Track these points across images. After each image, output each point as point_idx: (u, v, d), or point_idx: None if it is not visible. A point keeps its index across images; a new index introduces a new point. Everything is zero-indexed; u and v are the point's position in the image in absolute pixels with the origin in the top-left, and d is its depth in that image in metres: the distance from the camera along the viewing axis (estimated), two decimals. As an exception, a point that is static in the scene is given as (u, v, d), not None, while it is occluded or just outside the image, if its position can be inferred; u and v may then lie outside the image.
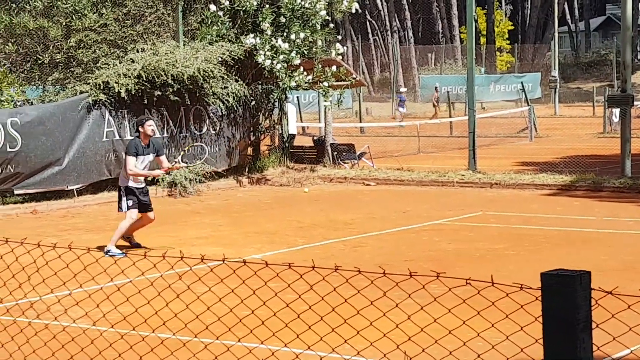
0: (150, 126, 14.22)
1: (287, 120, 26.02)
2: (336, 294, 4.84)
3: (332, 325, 4.86)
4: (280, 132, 25.84)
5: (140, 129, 14.20)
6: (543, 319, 3.13)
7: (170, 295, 5.57)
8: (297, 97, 40.19)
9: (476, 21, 50.63)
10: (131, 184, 14.08)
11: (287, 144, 25.74)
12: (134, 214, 14.10)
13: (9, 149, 18.60)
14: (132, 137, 14.87)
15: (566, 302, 3.08)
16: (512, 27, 76.56)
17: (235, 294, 5.32)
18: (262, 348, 5.72)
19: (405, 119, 43.35)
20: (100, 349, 5.84)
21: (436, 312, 4.82)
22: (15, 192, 19.11)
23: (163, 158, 14.53)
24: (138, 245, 14.37)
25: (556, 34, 52.39)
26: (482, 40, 69.79)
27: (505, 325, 4.36)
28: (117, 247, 13.84)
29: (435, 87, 47.73)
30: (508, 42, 73.40)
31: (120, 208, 14.25)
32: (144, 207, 14.32)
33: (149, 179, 15.10)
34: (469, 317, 4.41)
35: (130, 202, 14.07)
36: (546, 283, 3.15)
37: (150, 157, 14.30)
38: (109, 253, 13.57)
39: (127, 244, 14.29)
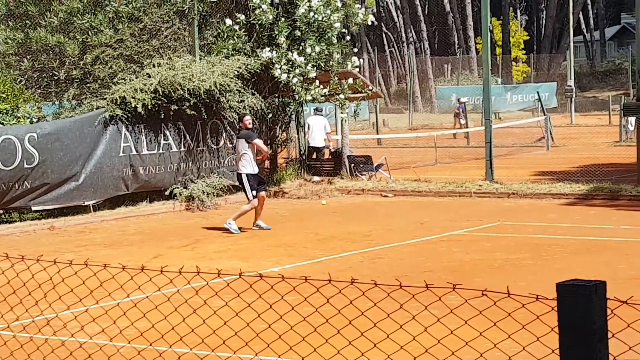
0: (248, 120, 17.78)
1: (309, 132, 26.05)
2: (353, 307, 4.84)
3: (349, 338, 4.85)
4: (298, 144, 25.86)
5: (241, 124, 17.94)
6: (559, 330, 3.12)
7: (187, 311, 5.57)
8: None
9: (492, 32, 50.53)
10: (250, 170, 17.37)
11: (305, 157, 25.73)
12: (255, 201, 17.29)
13: (26, 165, 18.67)
14: (243, 130, 17.84)
15: (582, 312, 3.07)
16: (528, 37, 76.53)
17: (252, 308, 5.32)
18: (279, 362, 5.72)
19: (423, 130, 43.31)
20: (117, 364, 5.85)
21: (453, 323, 4.81)
22: (33, 208, 19.17)
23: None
24: (265, 227, 17.56)
25: (571, 44, 52.31)
26: (498, 50, 69.79)
27: (522, 335, 4.34)
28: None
29: (459, 100, 47.17)
30: (524, 52, 73.37)
31: (248, 197, 17.35)
32: (262, 186, 17.58)
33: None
34: (486, 328, 4.39)
35: (255, 192, 17.27)
36: (562, 293, 3.14)
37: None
38: (228, 224, 17.17)
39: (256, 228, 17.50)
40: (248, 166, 17.34)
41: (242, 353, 5.85)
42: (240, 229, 17.30)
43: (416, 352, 4.81)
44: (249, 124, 17.81)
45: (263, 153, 18.51)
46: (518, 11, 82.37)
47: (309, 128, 26.65)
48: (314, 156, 26.48)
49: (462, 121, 43.73)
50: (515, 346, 4.45)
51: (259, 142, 17.89)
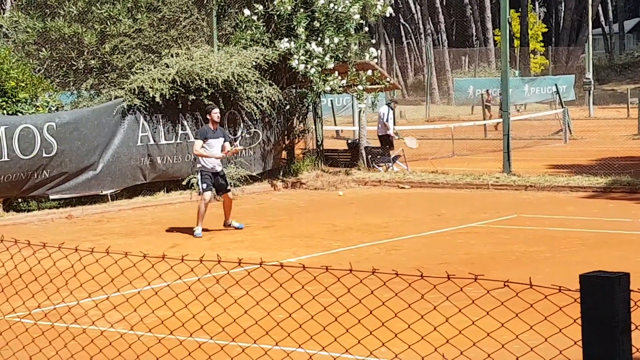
0: (216, 113, 16.32)
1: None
2: (373, 297, 4.84)
3: (370, 328, 4.86)
4: (315, 135, 25.88)
5: (208, 117, 16.40)
6: (582, 321, 3.11)
7: (208, 299, 5.58)
8: (331, 100, 40.21)
9: (510, 24, 50.31)
10: (205, 164, 16.15)
11: (322, 148, 25.74)
12: (206, 195, 16.11)
13: (44, 154, 18.73)
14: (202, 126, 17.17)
15: (605, 304, 3.06)
16: (546, 30, 76.16)
17: (272, 297, 5.34)
18: (299, 351, 5.73)
19: (440, 122, 43.15)
20: (138, 353, 5.87)
21: (474, 314, 4.80)
22: (51, 197, 19.25)
23: (226, 144, 16.37)
24: (238, 227, 16.58)
25: (590, 36, 52.07)
26: (516, 42, 69.52)
27: (544, 327, 4.34)
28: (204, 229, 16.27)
29: (487, 91, 46.26)
30: (542, 44, 73.02)
31: (198, 192, 16.72)
32: (220, 187, 16.38)
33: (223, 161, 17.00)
34: (507, 319, 4.39)
35: (204, 185, 16.15)
36: (585, 285, 3.13)
37: (221, 140, 16.25)
38: (195, 232, 16.06)
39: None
40: (203, 160, 16.21)
41: (263, 342, 5.87)
42: (234, 224, 16.68)
43: (437, 343, 4.81)
44: (218, 118, 16.32)
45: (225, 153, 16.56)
46: (536, 3, 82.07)
47: (380, 118, 27.13)
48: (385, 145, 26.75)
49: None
50: (537, 338, 4.45)
51: (195, 144, 16.52)
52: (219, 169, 16.35)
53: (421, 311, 4.76)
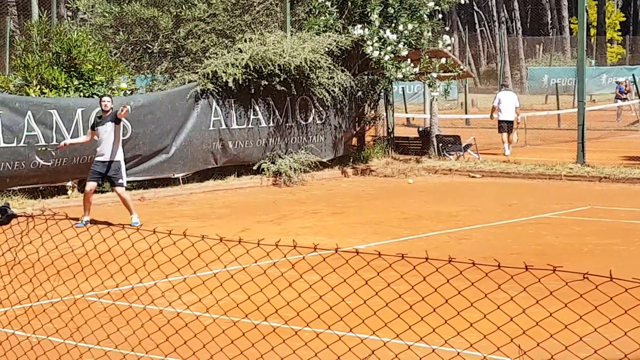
0: (104, 102, 15.69)
1: (498, 107, 27.19)
2: (448, 286, 4.82)
3: (445, 317, 4.84)
4: (386, 122, 25.83)
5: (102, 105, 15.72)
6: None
7: (283, 284, 5.61)
8: (402, 88, 40.07)
9: (587, 12, 49.31)
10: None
11: (393, 135, 25.67)
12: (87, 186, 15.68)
13: (119, 137, 18.93)
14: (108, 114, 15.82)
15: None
16: (624, 19, 74.90)
17: (347, 283, 5.35)
18: (373, 339, 5.73)
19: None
20: (213, 334, 5.93)
21: (551, 306, 4.76)
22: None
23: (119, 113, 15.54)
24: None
25: (669, 26, 51.03)
26: (593, 31, 68.47)
27: (624, 321, 4.29)
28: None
29: (620, 81, 43.50)
30: (619, 33, 71.83)
31: (124, 184, 15.77)
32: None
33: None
34: (586, 312, 4.34)
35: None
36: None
37: (109, 124, 15.50)
38: (135, 222, 15.33)
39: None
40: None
41: (337, 328, 5.88)
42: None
43: (513, 334, 4.78)
44: (105, 106, 15.66)
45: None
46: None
47: (499, 102, 27.45)
48: (505, 130, 26.98)
49: (622, 103, 39.03)
50: (617, 331, 4.39)
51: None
52: (102, 159, 15.62)
53: (497, 301, 4.73)
